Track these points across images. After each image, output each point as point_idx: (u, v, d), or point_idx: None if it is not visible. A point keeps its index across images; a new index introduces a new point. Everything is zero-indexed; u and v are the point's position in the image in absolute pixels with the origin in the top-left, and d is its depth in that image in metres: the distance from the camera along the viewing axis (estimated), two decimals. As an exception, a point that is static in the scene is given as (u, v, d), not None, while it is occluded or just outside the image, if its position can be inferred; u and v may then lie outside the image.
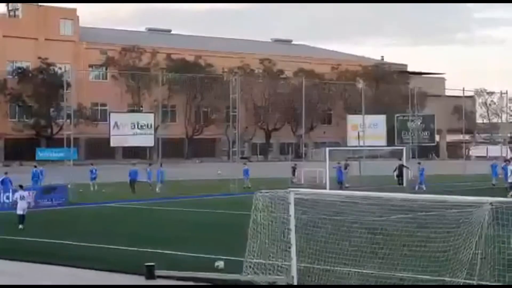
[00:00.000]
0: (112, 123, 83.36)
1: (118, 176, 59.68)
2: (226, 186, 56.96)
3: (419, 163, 59.98)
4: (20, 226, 32.12)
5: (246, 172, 60.33)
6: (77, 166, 64.24)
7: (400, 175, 59.97)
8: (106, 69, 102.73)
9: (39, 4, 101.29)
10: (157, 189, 54.68)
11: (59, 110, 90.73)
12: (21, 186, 35.64)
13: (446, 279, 16.89)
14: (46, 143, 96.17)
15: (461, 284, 16.39)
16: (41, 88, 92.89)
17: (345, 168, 61.66)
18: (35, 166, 57.73)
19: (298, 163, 70.39)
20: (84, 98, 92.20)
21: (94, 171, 57.95)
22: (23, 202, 33.07)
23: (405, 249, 18.07)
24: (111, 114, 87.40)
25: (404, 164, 60.65)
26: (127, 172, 56.57)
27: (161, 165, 58.53)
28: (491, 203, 16.62)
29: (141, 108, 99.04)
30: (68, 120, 78.20)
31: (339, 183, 57.50)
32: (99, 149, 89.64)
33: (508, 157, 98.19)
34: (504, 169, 58.19)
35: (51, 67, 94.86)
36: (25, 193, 34.86)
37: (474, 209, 16.91)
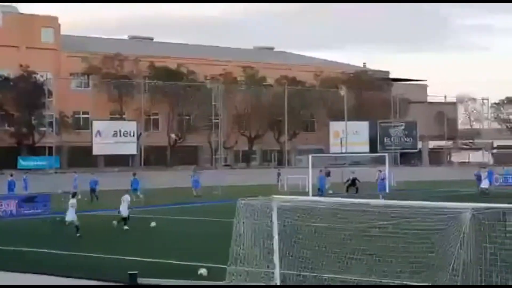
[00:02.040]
0: (94, 131, 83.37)
1: (102, 184, 59.45)
2: (209, 194, 56.92)
3: (379, 171, 59.88)
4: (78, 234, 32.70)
5: (195, 181, 60.12)
6: (60, 174, 64.03)
7: (352, 185, 58.93)
8: (88, 77, 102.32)
9: (21, 12, 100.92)
10: (133, 198, 54.40)
11: (41, 118, 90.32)
12: (73, 195, 36.47)
13: (429, 284, 16.92)
14: (28, 152, 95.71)
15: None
16: (23, 96, 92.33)
17: (327, 175, 61.74)
18: (11, 175, 57.39)
19: (282, 170, 70.56)
20: (65, 107, 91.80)
21: (76, 179, 57.61)
22: (72, 210, 33.94)
23: (388, 255, 18.08)
24: (93, 122, 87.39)
25: (357, 178, 59.94)
26: (109, 180, 56.42)
27: (134, 175, 57.90)
28: (472, 209, 16.69)
29: (123, 116, 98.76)
30: (50, 129, 77.95)
31: (319, 190, 56.97)
32: (82, 158, 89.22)
33: (490, 162, 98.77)
34: (476, 175, 58.85)
35: (33, 75, 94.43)
36: (74, 202, 35.16)
37: (456, 214, 16.96)
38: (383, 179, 57.93)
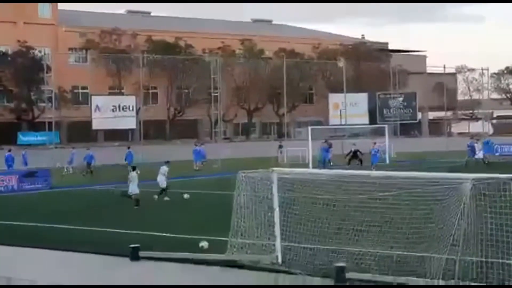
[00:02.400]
0: (93, 106, 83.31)
1: (100, 159, 59.46)
2: (209, 167, 56.92)
3: (374, 143, 59.62)
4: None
5: (197, 153, 60.04)
6: (60, 149, 64.04)
7: (354, 157, 58.54)
8: (86, 52, 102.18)
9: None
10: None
11: (40, 94, 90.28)
12: (133, 168, 37.00)
13: (430, 255, 16.96)
14: (28, 127, 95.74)
15: (445, 259, 16.46)
16: (21, 72, 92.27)
17: (330, 147, 61.63)
18: (9, 150, 57.31)
19: (280, 143, 70.50)
20: (64, 82, 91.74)
21: (73, 155, 57.60)
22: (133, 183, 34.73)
23: (389, 226, 18.11)
24: (93, 97, 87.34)
25: (359, 149, 59.69)
26: (109, 155, 56.43)
27: (128, 148, 58.02)
28: (473, 179, 16.69)
29: (122, 91, 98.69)
30: (50, 104, 77.84)
31: (323, 163, 56.78)
32: (81, 132, 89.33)
33: (490, 132, 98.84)
34: (470, 145, 58.72)
35: (31, 51, 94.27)
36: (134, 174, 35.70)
37: (457, 185, 16.97)
38: (377, 151, 57.79)
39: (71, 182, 48.00)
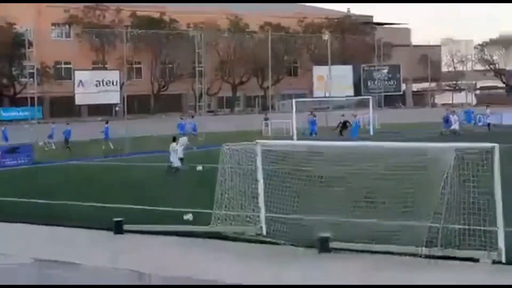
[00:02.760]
0: (76, 81, 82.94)
1: (83, 134, 59.32)
2: (193, 140, 56.80)
3: (355, 116, 59.88)
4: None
5: (182, 127, 60.04)
6: (43, 124, 63.81)
7: (344, 128, 58.71)
8: (69, 27, 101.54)
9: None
10: (104, 146, 54.53)
11: (22, 69, 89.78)
12: (173, 139, 38.18)
13: (413, 223, 17.05)
14: (9, 103, 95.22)
15: (428, 227, 16.55)
16: (3, 48, 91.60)
17: (313, 117, 61.72)
18: None
19: (266, 115, 70.46)
20: (47, 57, 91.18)
21: (53, 130, 57.32)
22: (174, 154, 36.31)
23: (373, 196, 18.18)
24: (76, 72, 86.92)
25: (348, 120, 59.85)
26: (93, 130, 56.27)
27: (106, 123, 58.00)
28: (456, 149, 16.75)
29: (106, 66, 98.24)
30: (32, 79, 77.41)
31: (310, 135, 57.05)
32: (64, 108, 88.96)
33: (473, 103, 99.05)
34: (446, 117, 59.06)
35: (13, 26, 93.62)
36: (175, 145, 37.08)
37: (440, 155, 17.04)
38: (357, 123, 58.07)
39: (53, 157, 47.83)
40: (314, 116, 61.20)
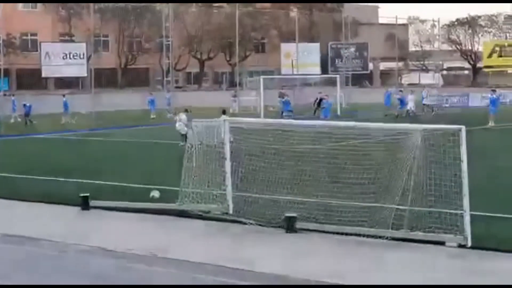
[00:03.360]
0: (43, 54, 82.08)
1: (49, 107, 58.96)
2: (161, 116, 56.75)
3: (319, 93, 59.94)
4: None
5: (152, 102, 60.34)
6: (9, 97, 63.26)
7: (319, 106, 58.76)
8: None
9: None
10: (63, 121, 54.31)
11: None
12: (185, 110, 38.63)
13: (379, 205, 17.16)
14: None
15: (394, 209, 16.67)
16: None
17: (282, 97, 61.54)
18: None
19: (234, 92, 70.49)
20: (13, 28, 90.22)
21: (14, 102, 56.96)
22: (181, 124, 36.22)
23: (341, 176, 18.26)
24: (42, 44, 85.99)
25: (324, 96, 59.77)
26: (59, 103, 55.92)
27: (63, 96, 57.90)
28: (422, 130, 16.85)
29: (73, 38, 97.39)
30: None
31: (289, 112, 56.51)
32: (31, 80, 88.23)
33: (440, 84, 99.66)
34: (399, 99, 59.32)
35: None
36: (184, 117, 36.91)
37: (407, 136, 17.13)
38: (330, 102, 58.14)
39: (18, 131, 47.51)
40: (287, 95, 60.92)
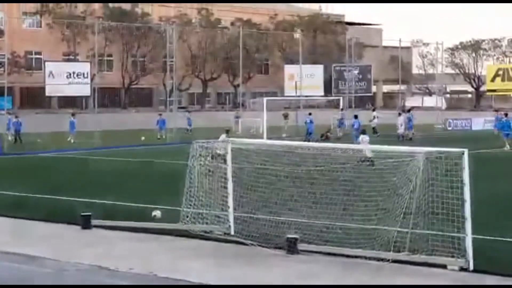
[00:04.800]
0: (47, 72, 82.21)
1: (53, 125, 59.03)
2: (186, 135, 56.77)
3: (309, 114, 60.29)
4: None
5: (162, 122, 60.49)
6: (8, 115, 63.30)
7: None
8: (41, 16, 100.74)
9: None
10: (71, 140, 54.32)
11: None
12: (226, 131, 36.94)
13: (381, 227, 17.11)
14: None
15: (396, 232, 16.61)
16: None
17: (285, 117, 61.78)
18: None
19: (237, 113, 70.60)
20: (18, 47, 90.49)
21: (9, 121, 56.78)
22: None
23: (343, 198, 18.20)
24: (46, 63, 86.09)
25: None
26: (62, 122, 55.94)
27: (72, 115, 57.86)
28: (425, 153, 16.82)
29: (77, 57, 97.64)
30: (2, 69, 76.82)
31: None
32: (35, 99, 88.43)
33: (443, 107, 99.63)
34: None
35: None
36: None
37: (410, 159, 17.09)
38: (311, 122, 58.32)
39: (23, 149, 47.55)
40: (284, 115, 61.41)
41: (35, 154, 44.58)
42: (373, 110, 66.87)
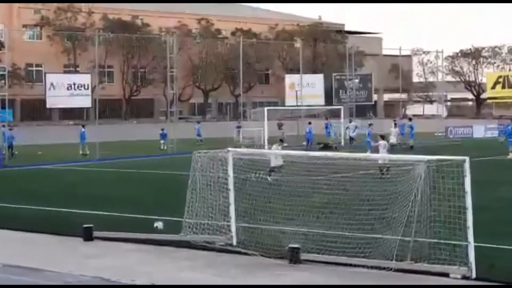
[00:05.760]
0: (48, 84, 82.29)
1: (54, 137, 59.02)
2: (197, 146, 56.82)
3: (309, 123, 61.02)
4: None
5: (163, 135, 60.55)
6: (13, 127, 63.27)
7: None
8: (41, 29, 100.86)
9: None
10: (81, 151, 54.30)
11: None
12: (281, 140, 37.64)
13: (384, 236, 17.08)
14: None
15: (398, 239, 16.59)
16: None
17: (280, 127, 61.87)
18: None
19: (239, 123, 70.62)
20: (18, 59, 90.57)
21: (4, 134, 55.99)
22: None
23: (345, 207, 18.20)
24: (47, 75, 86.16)
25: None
26: (64, 134, 55.93)
27: (83, 127, 57.79)
28: (427, 161, 16.81)
29: (77, 69, 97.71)
30: (3, 81, 76.86)
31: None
32: (36, 111, 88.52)
33: (444, 115, 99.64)
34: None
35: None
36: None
37: (411, 167, 17.09)
38: (309, 131, 59.07)
39: (24, 161, 47.53)
40: (279, 125, 62.03)
41: (36, 167, 44.55)
42: (350, 121, 67.14)
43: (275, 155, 29.19)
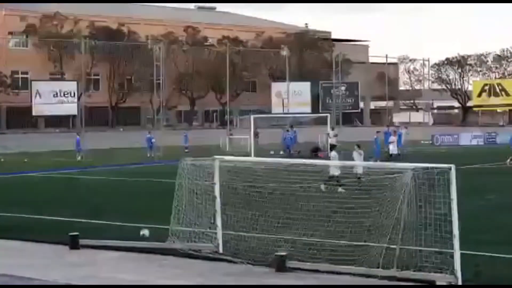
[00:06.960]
0: (33, 92, 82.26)
1: (41, 145, 58.83)
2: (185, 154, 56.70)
3: (287, 130, 61.10)
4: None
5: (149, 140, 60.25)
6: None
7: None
8: (27, 36, 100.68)
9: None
10: (78, 158, 54.20)
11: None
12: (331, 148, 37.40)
13: (370, 244, 17.10)
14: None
15: (385, 247, 16.61)
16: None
17: (256, 136, 61.72)
18: None
19: (224, 131, 70.56)
20: (4, 66, 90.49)
21: None
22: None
23: (331, 215, 18.21)
24: (33, 82, 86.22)
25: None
26: (49, 141, 55.74)
27: (77, 134, 57.73)
28: (413, 169, 16.83)
29: (64, 77, 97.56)
30: (-12, 89, 76.75)
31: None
32: (21, 118, 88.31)
33: (430, 123, 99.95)
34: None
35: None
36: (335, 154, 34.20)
37: (397, 175, 17.12)
38: (285, 138, 59.45)
39: (7, 169, 47.33)
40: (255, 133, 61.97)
41: (21, 174, 44.37)
42: (332, 128, 67.04)
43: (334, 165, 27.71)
